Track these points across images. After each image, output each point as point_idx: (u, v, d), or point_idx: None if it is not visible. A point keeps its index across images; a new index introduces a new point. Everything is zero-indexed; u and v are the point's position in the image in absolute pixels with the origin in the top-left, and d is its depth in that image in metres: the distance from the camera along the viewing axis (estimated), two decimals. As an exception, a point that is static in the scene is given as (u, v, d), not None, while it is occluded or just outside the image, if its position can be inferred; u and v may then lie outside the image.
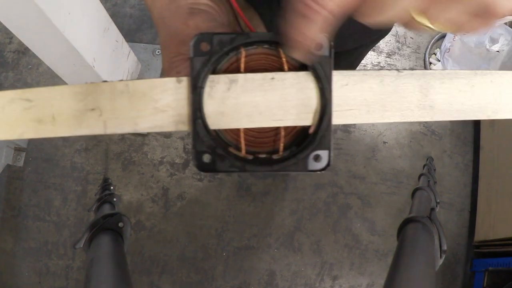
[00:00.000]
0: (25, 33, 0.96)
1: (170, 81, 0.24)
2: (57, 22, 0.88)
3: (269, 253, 1.37)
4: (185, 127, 0.24)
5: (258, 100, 0.23)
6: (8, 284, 1.36)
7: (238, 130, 0.25)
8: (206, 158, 0.24)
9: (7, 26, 0.91)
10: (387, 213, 1.41)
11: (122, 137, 1.47)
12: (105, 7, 1.10)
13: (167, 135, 1.47)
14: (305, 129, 0.25)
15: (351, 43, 0.55)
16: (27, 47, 1.03)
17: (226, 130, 0.25)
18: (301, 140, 0.24)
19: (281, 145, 0.24)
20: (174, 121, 0.24)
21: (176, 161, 1.45)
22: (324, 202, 1.41)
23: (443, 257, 0.75)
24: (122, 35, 1.26)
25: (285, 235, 1.38)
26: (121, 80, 0.24)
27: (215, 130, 0.24)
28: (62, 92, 0.23)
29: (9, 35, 1.59)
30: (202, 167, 0.24)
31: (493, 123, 1.34)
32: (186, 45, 0.26)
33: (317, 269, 1.36)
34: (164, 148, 1.46)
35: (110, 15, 1.14)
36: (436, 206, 1.00)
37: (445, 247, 0.76)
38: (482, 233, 1.29)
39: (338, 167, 1.45)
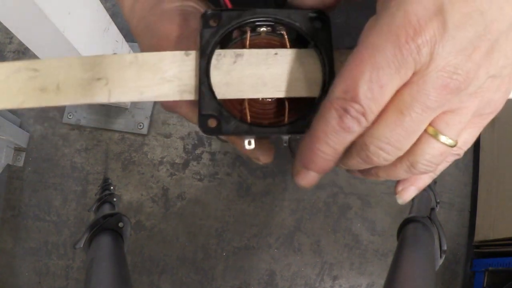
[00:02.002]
0: (25, 33, 0.96)
1: (179, 54, 0.24)
2: (57, 22, 0.88)
3: (269, 253, 1.37)
4: (191, 96, 0.24)
5: (263, 73, 0.24)
6: (8, 284, 1.36)
7: (243, 101, 0.25)
8: (212, 122, 0.24)
9: (7, 26, 0.92)
10: (387, 213, 1.41)
11: (122, 137, 1.47)
12: (105, 7, 1.10)
13: (167, 135, 1.47)
14: (307, 103, 0.25)
15: (348, 42, 0.55)
16: (27, 47, 1.03)
17: (230, 103, 0.25)
18: (305, 113, 0.25)
19: (286, 116, 0.25)
20: (180, 90, 0.24)
21: (176, 161, 1.45)
22: (324, 202, 1.41)
23: (443, 257, 0.75)
24: (122, 35, 1.26)
25: (285, 235, 1.38)
26: (130, 52, 0.24)
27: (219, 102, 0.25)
28: (70, 62, 0.24)
29: (9, 35, 1.59)
30: (208, 130, 0.24)
31: (493, 123, 1.34)
32: (182, 43, 0.27)
33: (317, 269, 1.36)
34: (164, 148, 1.46)
35: (110, 15, 1.14)
36: (436, 206, 1.00)
37: (445, 247, 0.76)
38: (482, 233, 1.29)
39: (338, 167, 1.44)
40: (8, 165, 1.44)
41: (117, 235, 0.80)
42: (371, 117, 0.19)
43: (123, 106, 1.43)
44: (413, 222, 0.80)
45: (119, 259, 0.71)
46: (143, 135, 1.47)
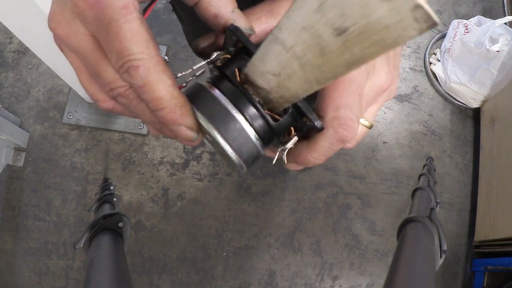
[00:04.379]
0: (25, 33, 0.96)
1: None
2: (57, 22, 0.87)
3: (269, 253, 1.37)
4: None
5: None
6: (8, 284, 1.36)
7: None
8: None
9: (7, 26, 0.92)
10: (387, 213, 1.41)
11: (122, 137, 1.47)
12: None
13: (167, 135, 1.47)
14: None
15: None
16: (27, 47, 1.03)
17: None
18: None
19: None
20: None
21: (176, 161, 1.45)
22: (324, 202, 1.41)
23: (443, 257, 0.75)
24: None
25: (285, 235, 1.38)
26: None
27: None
28: None
29: (9, 35, 1.59)
30: None
31: (493, 123, 1.34)
32: None
33: (317, 269, 1.36)
34: (164, 148, 1.46)
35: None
36: (436, 206, 1.00)
37: (445, 247, 0.76)
38: (482, 233, 1.29)
39: (338, 167, 1.45)
40: (8, 165, 1.44)
41: (117, 235, 0.80)
42: (357, 124, 0.24)
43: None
44: (413, 222, 0.80)
45: (119, 259, 0.71)
46: (143, 135, 1.47)
